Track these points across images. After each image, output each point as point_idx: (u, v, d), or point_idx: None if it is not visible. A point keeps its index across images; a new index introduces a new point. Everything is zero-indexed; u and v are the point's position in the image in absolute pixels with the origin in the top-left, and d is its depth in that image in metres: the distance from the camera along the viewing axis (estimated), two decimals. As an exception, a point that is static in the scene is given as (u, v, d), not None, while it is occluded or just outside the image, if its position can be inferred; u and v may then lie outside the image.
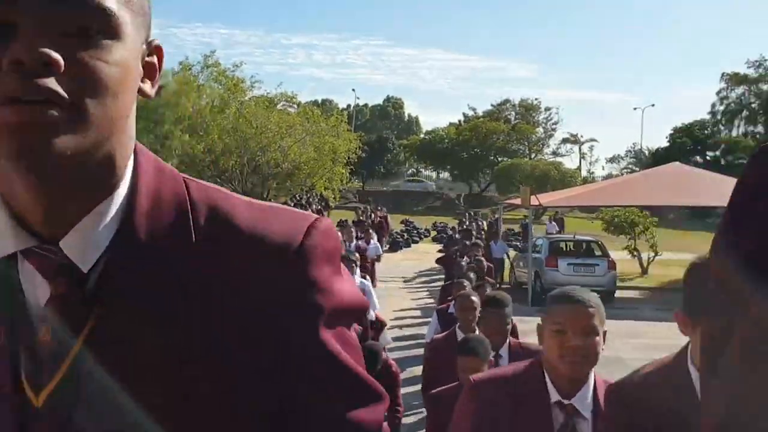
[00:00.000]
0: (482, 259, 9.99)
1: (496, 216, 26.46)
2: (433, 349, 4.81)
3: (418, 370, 9.16)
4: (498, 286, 10.11)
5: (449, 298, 6.68)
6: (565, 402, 2.03)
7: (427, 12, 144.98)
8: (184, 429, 0.70)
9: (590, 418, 2.01)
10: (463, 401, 2.18)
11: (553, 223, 22.92)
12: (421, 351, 10.29)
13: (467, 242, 13.06)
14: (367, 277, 9.18)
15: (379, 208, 29.80)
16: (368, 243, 13.97)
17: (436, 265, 16.40)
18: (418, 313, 13.60)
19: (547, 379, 2.06)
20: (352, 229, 14.06)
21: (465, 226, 18.01)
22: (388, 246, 23.54)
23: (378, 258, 14.83)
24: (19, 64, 0.61)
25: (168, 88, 21.49)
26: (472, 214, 29.94)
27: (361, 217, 22.60)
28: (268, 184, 22.37)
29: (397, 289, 16.81)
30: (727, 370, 1.20)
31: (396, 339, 11.12)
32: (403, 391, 8.20)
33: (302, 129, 21.45)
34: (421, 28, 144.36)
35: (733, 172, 29.75)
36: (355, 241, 12.76)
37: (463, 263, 9.64)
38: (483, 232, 19.61)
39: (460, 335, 4.31)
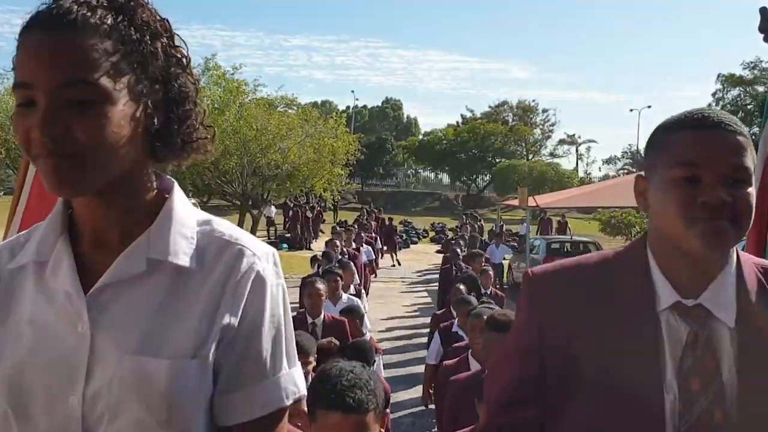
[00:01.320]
0: (472, 273, 8.70)
1: (480, 223, 26.52)
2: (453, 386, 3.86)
3: (416, 369, 9.33)
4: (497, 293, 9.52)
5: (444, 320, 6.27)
6: (689, 304, 1.23)
7: (426, 14, 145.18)
8: None
9: (732, 323, 1.21)
10: (520, 309, 1.40)
11: (525, 224, 22.79)
12: (419, 352, 10.45)
13: (469, 250, 11.96)
14: (362, 290, 8.52)
15: (377, 209, 29.72)
16: (358, 251, 12.94)
17: (435, 266, 16.52)
18: (417, 313, 13.75)
19: (654, 267, 1.27)
20: (343, 236, 12.91)
21: (469, 232, 16.62)
22: (386, 248, 23.59)
23: (370, 263, 13.70)
24: None
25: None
26: (472, 213, 29.88)
27: (362, 221, 22.62)
28: (267, 186, 22.46)
29: (395, 289, 16.95)
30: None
31: (394, 339, 11.29)
32: (402, 392, 8.37)
33: (301, 131, 21.53)
34: (420, 30, 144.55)
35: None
36: (342, 248, 11.56)
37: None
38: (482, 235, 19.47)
39: (473, 363, 3.95)
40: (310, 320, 5.17)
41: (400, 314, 13.55)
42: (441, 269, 11.23)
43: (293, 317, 5.46)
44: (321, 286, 5.40)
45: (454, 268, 10.09)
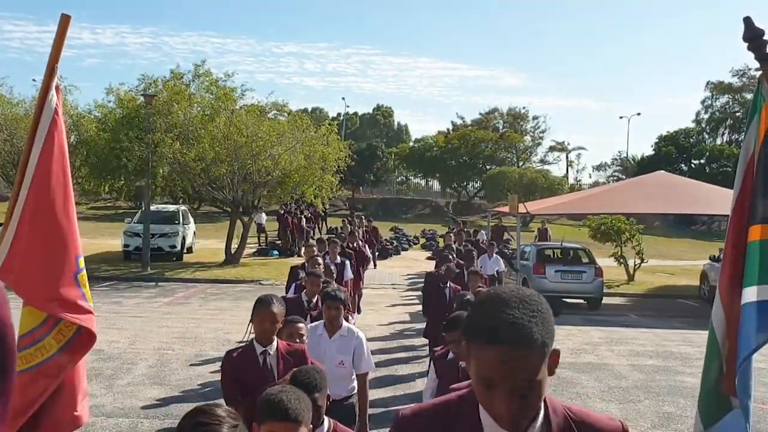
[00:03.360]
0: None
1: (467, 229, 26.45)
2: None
3: (407, 373, 9.32)
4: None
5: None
6: None
7: (417, 21, 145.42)
8: None
9: None
10: None
11: (482, 232, 22.59)
12: (408, 354, 10.43)
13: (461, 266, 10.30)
14: (352, 317, 6.94)
15: (362, 217, 29.23)
16: (343, 264, 11.10)
17: (425, 271, 16.48)
18: (407, 318, 13.76)
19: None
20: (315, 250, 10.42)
21: (464, 246, 13.73)
22: (377, 253, 23.59)
23: (350, 282, 11.43)
24: None
25: (159, 96, 21.56)
26: (454, 219, 29.73)
27: (341, 233, 21.77)
28: (258, 192, 22.45)
29: (386, 296, 16.95)
30: None
31: (385, 342, 11.28)
32: (392, 395, 8.35)
33: (292, 137, 21.53)
34: (411, 37, 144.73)
35: (718, 180, 30.24)
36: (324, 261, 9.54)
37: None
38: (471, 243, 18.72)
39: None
40: (260, 349, 3.96)
41: (392, 321, 13.54)
42: (426, 284, 9.29)
43: (241, 347, 4.10)
44: (302, 325, 4.45)
45: (441, 285, 8.71)
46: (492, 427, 1.49)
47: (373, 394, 8.27)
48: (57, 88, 2.79)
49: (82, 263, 2.77)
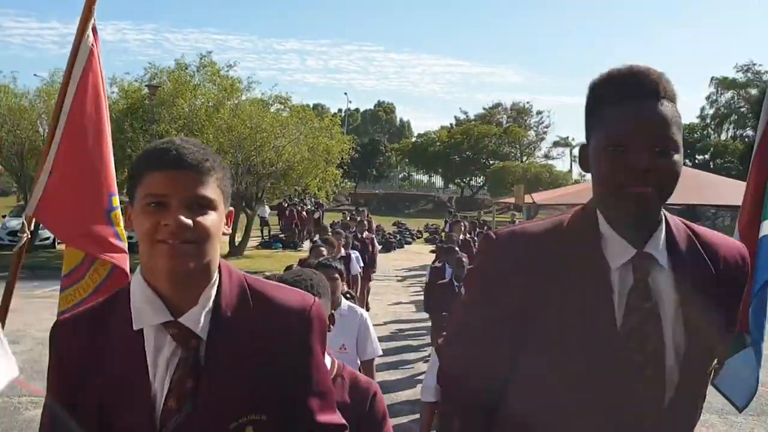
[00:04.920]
0: None
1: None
2: None
3: (415, 367, 9.29)
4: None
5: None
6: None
7: (420, 18, 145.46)
8: None
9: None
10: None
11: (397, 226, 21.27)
12: (419, 353, 10.41)
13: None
14: (356, 299, 5.86)
15: (360, 210, 28.75)
16: (348, 257, 10.49)
17: (427, 263, 16.44)
18: (412, 308, 13.74)
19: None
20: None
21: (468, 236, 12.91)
22: (380, 246, 23.50)
23: (363, 270, 11.31)
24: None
25: (164, 87, 21.50)
26: (454, 213, 29.46)
27: (357, 219, 21.72)
28: (262, 184, 22.38)
29: (391, 287, 16.96)
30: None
31: (392, 335, 11.27)
32: (402, 392, 8.31)
33: (296, 129, 21.47)
34: (413, 34, 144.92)
35: (723, 174, 30.17)
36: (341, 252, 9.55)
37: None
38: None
39: None
40: None
41: (397, 312, 13.52)
42: (433, 285, 8.23)
43: None
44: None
45: (456, 284, 7.45)
46: (613, 238, 1.43)
47: (381, 384, 8.23)
48: (94, 28, 2.80)
49: (116, 202, 2.78)
